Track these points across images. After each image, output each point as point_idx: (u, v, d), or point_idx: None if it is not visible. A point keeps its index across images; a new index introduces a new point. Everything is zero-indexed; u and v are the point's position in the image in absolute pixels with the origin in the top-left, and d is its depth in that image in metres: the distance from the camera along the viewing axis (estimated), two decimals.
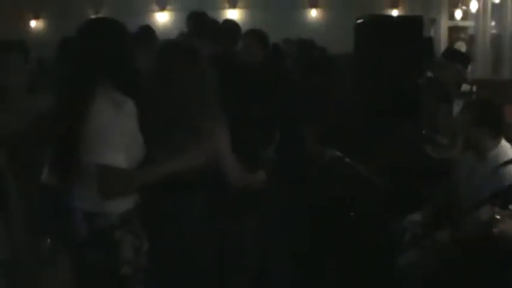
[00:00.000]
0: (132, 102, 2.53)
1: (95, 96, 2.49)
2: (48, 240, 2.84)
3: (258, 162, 3.24)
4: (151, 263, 2.67)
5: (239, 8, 12.05)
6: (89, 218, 2.57)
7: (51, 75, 3.98)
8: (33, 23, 12.76)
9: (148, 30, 5.11)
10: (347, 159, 4.06)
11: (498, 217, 2.82)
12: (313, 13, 12.19)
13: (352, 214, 4.18)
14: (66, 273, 2.33)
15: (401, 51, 5.48)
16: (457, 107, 4.44)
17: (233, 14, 11.62)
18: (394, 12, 11.46)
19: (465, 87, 4.65)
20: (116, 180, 2.49)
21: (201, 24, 4.69)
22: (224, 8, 11.99)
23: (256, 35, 4.54)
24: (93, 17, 9.69)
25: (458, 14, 11.66)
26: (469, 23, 11.73)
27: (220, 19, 5.39)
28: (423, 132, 4.59)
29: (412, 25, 5.85)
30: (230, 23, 5.01)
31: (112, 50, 2.55)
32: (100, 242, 2.55)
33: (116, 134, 2.48)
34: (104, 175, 2.45)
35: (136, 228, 2.62)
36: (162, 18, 12.07)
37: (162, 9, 12.17)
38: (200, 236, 2.88)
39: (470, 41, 11.54)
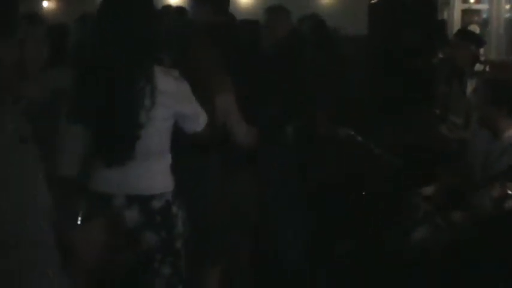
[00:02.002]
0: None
1: (154, 74, 2.44)
2: None
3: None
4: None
5: None
6: (139, 200, 2.49)
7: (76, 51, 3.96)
8: (45, 3, 12.78)
9: (168, 9, 5.12)
10: (360, 138, 4.08)
11: (510, 192, 2.83)
12: None
13: (364, 193, 4.21)
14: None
15: (415, 32, 5.49)
16: (470, 86, 4.45)
17: None
18: None
19: (478, 67, 4.65)
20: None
21: None
22: None
23: (282, 11, 4.51)
24: None
25: None
26: (482, 6, 11.63)
27: None
28: (437, 111, 4.60)
29: (425, 6, 5.85)
30: None
31: (156, 27, 2.55)
32: (159, 221, 2.51)
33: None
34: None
35: (181, 201, 2.61)
36: None
37: None
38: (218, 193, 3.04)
39: (484, 24, 11.45)
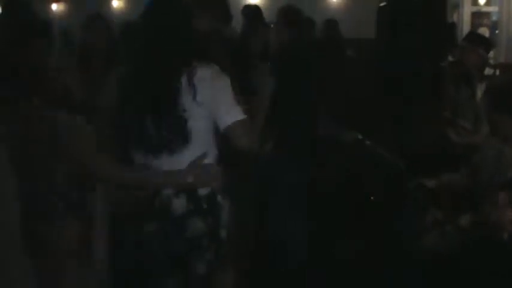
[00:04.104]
0: None
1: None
2: None
3: None
4: None
5: None
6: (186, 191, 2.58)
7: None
8: (54, 7, 12.83)
9: None
10: (368, 142, 4.03)
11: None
12: None
13: (372, 198, 4.15)
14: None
15: (424, 35, 5.43)
16: (479, 90, 4.40)
17: None
18: None
19: (488, 71, 4.60)
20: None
21: None
22: None
23: (284, 14, 4.45)
24: None
25: None
26: (492, 9, 11.58)
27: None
28: (445, 116, 4.55)
29: (434, 9, 5.79)
30: None
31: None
32: (206, 208, 2.61)
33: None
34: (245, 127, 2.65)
35: (227, 193, 2.71)
36: None
37: None
38: None
39: (494, 26, 11.40)
